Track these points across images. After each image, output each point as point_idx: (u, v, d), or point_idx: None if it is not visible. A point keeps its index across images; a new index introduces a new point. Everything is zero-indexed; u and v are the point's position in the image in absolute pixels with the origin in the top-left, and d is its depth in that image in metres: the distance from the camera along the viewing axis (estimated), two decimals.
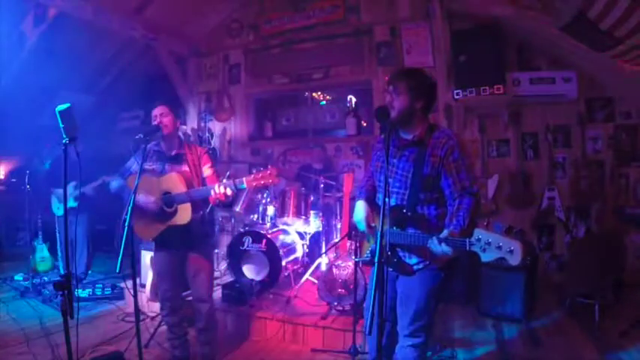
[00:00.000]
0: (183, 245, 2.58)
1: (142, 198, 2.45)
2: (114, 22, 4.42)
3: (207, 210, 2.67)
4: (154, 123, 2.53)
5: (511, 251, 1.58)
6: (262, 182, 2.28)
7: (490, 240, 1.60)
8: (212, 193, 2.33)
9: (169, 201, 2.47)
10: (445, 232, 1.74)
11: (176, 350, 2.70)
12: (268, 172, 2.28)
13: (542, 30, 3.73)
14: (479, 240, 1.62)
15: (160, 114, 2.55)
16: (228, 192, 2.33)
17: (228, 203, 2.57)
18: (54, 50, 4.30)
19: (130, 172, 2.65)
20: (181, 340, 2.71)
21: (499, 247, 1.59)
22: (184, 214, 2.44)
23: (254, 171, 2.32)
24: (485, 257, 1.62)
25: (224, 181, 2.42)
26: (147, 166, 2.52)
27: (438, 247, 1.71)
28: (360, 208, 2.08)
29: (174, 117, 2.61)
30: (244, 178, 2.31)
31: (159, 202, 2.48)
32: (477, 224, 1.78)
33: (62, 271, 1.65)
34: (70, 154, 1.67)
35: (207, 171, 2.66)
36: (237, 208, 4.11)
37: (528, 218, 4.20)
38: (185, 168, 2.58)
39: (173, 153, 2.62)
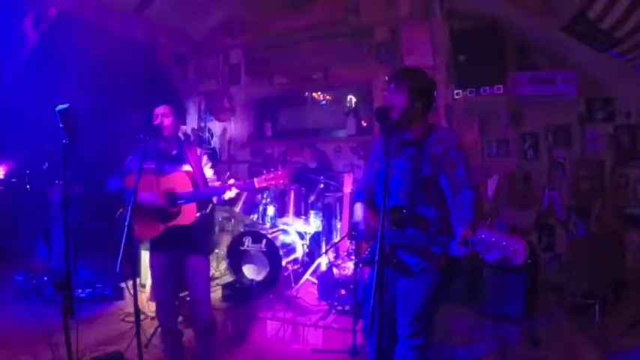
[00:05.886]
0: (183, 246, 2.55)
1: (149, 196, 2.44)
2: (114, 22, 4.42)
3: (208, 210, 2.67)
4: (155, 122, 2.52)
5: (515, 250, 1.54)
6: (273, 183, 2.29)
7: (493, 239, 1.57)
8: (226, 193, 2.35)
9: (173, 200, 2.45)
10: (460, 232, 1.69)
11: (171, 352, 2.69)
12: (279, 172, 2.29)
13: (542, 30, 3.73)
14: (482, 239, 1.59)
15: (161, 114, 2.54)
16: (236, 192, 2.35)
17: (231, 201, 2.60)
18: (54, 50, 4.29)
19: (128, 171, 2.63)
20: (176, 345, 2.70)
21: (503, 247, 1.56)
22: (189, 214, 2.42)
23: (264, 172, 2.34)
24: (489, 257, 1.59)
25: (233, 181, 2.43)
26: (146, 165, 2.47)
27: (457, 250, 1.68)
28: (359, 209, 2.07)
29: (176, 118, 2.61)
30: (255, 179, 2.32)
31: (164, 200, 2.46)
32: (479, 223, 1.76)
33: (52, 270, 1.66)
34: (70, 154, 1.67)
35: (209, 172, 2.66)
36: (237, 209, 4.11)
37: (528, 218, 4.20)
38: (187, 168, 2.56)
39: (173, 152, 2.61)
